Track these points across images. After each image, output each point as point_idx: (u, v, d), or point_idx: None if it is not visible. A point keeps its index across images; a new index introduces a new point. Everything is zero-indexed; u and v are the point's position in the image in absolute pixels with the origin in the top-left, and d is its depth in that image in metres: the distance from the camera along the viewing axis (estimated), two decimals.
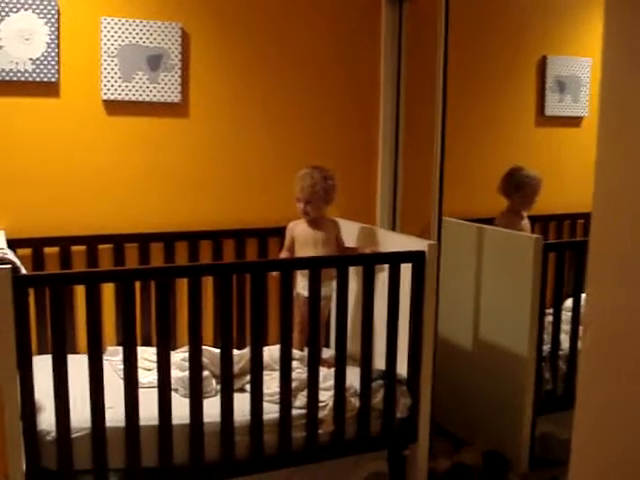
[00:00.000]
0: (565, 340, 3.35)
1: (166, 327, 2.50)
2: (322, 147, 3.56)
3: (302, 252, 3.13)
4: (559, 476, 3.26)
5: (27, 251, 3.04)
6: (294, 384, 2.75)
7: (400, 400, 2.90)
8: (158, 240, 3.27)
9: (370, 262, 2.77)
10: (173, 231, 3.29)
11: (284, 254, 3.19)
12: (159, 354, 2.51)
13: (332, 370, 2.82)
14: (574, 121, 4.26)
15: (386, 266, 2.83)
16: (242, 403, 2.65)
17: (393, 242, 3.06)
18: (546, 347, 3.29)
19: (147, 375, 2.90)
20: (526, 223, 3.74)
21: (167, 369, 2.52)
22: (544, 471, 3.37)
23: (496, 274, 3.36)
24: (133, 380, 2.48)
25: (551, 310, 3.30)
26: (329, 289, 3.10)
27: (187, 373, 2.60)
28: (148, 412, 2.51)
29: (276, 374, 2.74)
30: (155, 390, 2.54)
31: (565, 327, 3.36)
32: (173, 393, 2.77)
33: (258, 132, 3.45)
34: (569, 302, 3.38)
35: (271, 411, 2.71)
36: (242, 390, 2.83)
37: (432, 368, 2.92)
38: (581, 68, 4.17)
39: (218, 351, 2.66)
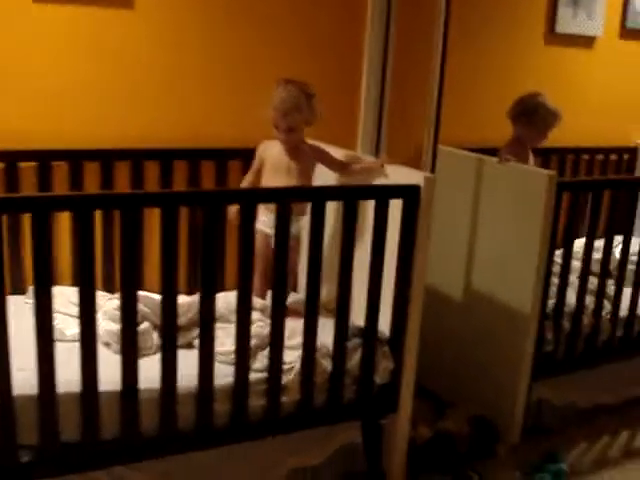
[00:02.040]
0: (571, 295, 2.89)
1: (89, 264, 1.94)
2: (299, 57, 2.97)
3: (271, 180, 2.61)
4: (557, 450, 2.85)
5: None
6: (253, 341, 2.25)
7: (381, 363, 2.42)
8: (93, 158, 2.68)
9: (352, 196, 2.23)
10: (112, 148, 2.70)
11: (249, 178, 2.71)
12: (81, 299, 1.96)
13: (300, 323, 2.32)
14: (587, 41, 3.72)
15: (371, 202, 2.30)
16: (188, 364, 2.14)
17: (378, 172, 2.52)
18: (550, 302, 2.82)
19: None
20: (532, 159, 3.23)
21: (91, 317, 1.98)
22: (537, 441, 2.96)
23: (497, 215, 2.85)
24: (47, 332, 1.94)
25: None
26: (297, 226, 2.58)
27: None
28: (71, 375, 1.99)
29: (232, 328, 2.23)
30: None
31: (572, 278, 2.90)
32: (104, 349, 2.28)
33: (225, 33, 2.83)
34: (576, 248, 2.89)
35: (224, 374, 2.21)
36: (190, 346, 2.33)
37: (419, 326, 2.44)
38: None
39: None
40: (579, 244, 2.90)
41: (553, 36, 3.57)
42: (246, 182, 2.72)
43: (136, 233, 1.97)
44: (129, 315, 2.03)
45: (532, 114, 3.11)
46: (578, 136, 3.66)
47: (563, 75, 3.64)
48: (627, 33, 3.82)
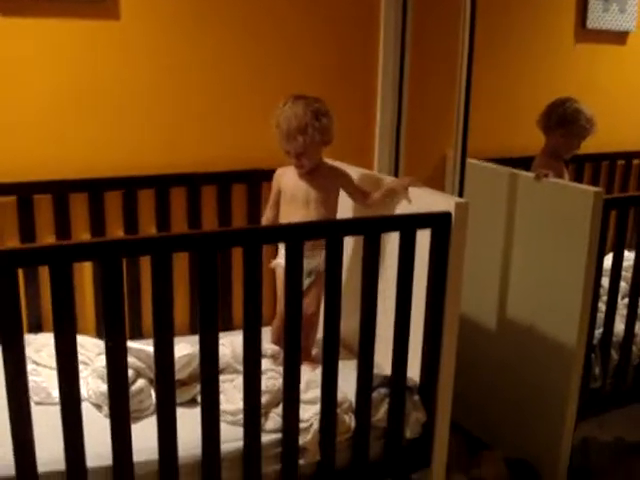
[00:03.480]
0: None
1: (67, 310, 1.65)
2: (308, 70, 2.66)
3: (288, 211, 2.27)
4: None
5: None
6: (264, 398, 1.96)
7: (411, 415, 2.12)
8: (80, 190, 2.40)
9: (374, 229, 1.93)
10: (100, 177, 2.41)
11: (269, 213, 2.35)
12: (58, 353, 1.66)
13: (318, 372, 2.02)
14: (619, 37, 3.40)
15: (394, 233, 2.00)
16: (191, 426, 1.85)
17: (403, 196, 2.22)
18: (596, 332, 2.52)
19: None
20: (565, 170, 2.91)
21: (73, 375, 1.68)
22: None
23: (534, 235, 2.53)
24: (23, 398, 1.64)
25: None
26: (317, 261, 2.28)
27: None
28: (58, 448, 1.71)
29: (240, 380, 1.93)
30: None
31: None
32: (96, 412, 2.00)
33: (225, 48, 2.52)
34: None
35: (232, 437, 1.92)
36: (193, 403, 2.04)
37: (454, 371, 2.14)
38: None
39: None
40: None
41: (584, 32, 3.26)
42: (265, 219, 2.38)
43: (116, 280, 1.68)
44: (117, 372, 1.73)
45: (570, 123, 2.79)
46: (611, 140, 3.35)
47: (594, 73, 3.32)
48: None
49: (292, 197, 2.26)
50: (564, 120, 2.81)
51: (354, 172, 2.39)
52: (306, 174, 2.25)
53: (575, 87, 3.14)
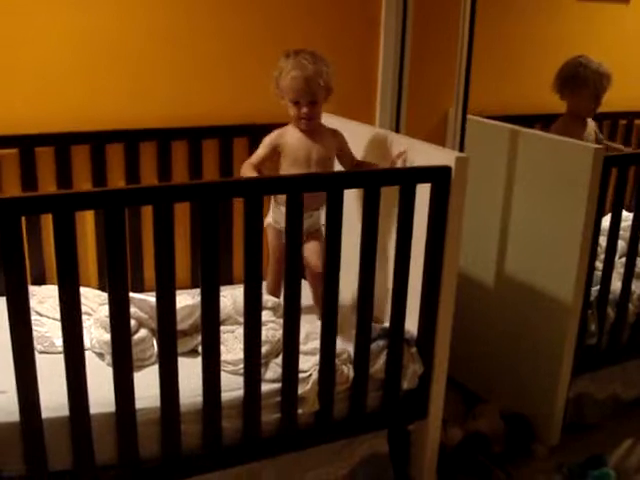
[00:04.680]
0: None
1: (71, 262, 1.66)
2: (307, 23, 2.64)
3: (290, 171, 2.23)
4: (600, 452, 2.58)
5: None
6: (264, 348, 1.99)
7: (408, 366, 2.15)
8: (81, 142, 2.40)
9: (374, 182, 1.94)
10: (104, 130, 2.41)
11: (255, 170, 2.18)
12: (62, 301, 1.68)
13: (317, 325, 2.05)
14: None
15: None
16: (193, 375, 1.89)
17: (399, 150, 2.23)
18: (593, 289, 2.54)
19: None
20: (592, 130, 2.91)
21: (76, 325, 1.71)
22: (577, 440, 2.70)
23: (534, 193, 2.54)
24: (27, 347, 1.68)
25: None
26: (312, 221, 2.29)
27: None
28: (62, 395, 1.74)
29: (241, 331, 1.96)
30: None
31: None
32: (99, 360, 2.03)
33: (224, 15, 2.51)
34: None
35: (232, 386, 1.96)
36: (194, 353, 2.07)
37: (451, 325, 2.16)
38: None
39: None
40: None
41: None
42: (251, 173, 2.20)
43: (118, 230, 1.70)
44: (120, 322, 1.76)
45: (584, 84, 2.78)
46: (613, 99, 3.33)
47: (596, 32, 3.30)
48: None
49: (295, 158, 2.20)
50: (578, 81, 2.80)
51: (355, 128, 2.39)
52: (309, 132, 2.20)
53: (577, 45, 3.12)
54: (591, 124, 2.95)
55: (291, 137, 2.22)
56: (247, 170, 2.16)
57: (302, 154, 2.20)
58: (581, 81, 2.80)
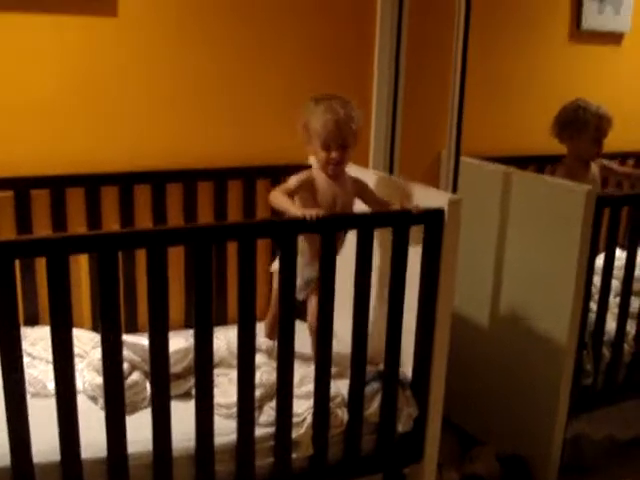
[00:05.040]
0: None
1: (64, 305, 1.67)
2: (303, 66, 2.67)
3: None
4: None
5: None
6: (258, 391, 1.98)
7: (403, 409, 2.14)
8: (77, 184, 2.41)
9: (368, 224, 1.95)
10: (97, 173, 2.43)
11: (287, 196, 2.08)
12: (54, 344, 1.68)
13: (311, 369, 2.04)
14: (614, 37, 3.42)
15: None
16: (185, 419, 1.87)
17: (393, 191, 2.24)
18: (588, 330, 2.54)
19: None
20: (595, 174, 2.92)
21: (69, 368, 1.70)
22: None
23: (527, 234, 2.55)
24: (19, 390, 1.67)
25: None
26: (314, 270, 2.23)
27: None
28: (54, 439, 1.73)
29: (234, 374, 1.95)
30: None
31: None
32: (91, 403, 2.02)
33: (223, 47, 2.54)
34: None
35: (226, 431, 1.94)
36: (188, 396, 2.06)
37: (445, 367, 2.16)
38: None
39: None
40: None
41: (579, 33, 3.28)
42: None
43: (115, 272, 1.70)
44: (113, 366, 1.75)
45: (584, 128, 2.80)
46: (606, 140, 3.36)
47: (589, 75, 3.34)
48: None
49: (320, 201, 2.14)
50: (578, 125, 2.81)
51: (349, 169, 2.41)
52: (334, 177, 2.16)
53: (570, 89, 3.16)
54: (594, 166, 2.97)
55: (319, 180, 2.17)
56: (280, 195, 2.07)
57: (328, 199, 2.15)
58: (581, 124, 2.81)
